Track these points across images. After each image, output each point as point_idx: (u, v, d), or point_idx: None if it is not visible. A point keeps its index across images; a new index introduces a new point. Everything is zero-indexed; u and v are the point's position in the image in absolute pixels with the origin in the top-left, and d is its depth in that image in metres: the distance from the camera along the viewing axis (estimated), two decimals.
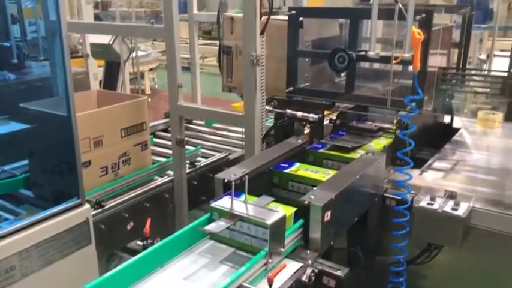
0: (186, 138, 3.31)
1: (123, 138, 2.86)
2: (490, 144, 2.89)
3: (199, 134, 3.91)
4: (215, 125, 4.00)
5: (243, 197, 1.64)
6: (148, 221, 1.65)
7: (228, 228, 1.59)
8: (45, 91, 2.41)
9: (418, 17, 2.07)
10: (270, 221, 1.50)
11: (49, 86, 2.33)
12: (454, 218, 1.89)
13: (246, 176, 1.67)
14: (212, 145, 3.69)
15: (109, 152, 2.79)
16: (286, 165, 2.09)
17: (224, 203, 1.63)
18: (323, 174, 2.00)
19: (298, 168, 2.06)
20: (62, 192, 2.26)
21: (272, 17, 2.57)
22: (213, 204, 1.65)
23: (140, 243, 1.67)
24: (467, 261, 2.08)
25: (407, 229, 2.00)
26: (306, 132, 2.77)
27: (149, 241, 1.63)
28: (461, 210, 1.90)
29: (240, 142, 3.46)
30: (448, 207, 1.93)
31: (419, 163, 2.41)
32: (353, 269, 1.97)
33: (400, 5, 1.94)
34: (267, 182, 2.05)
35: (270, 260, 1.51)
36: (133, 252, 2.70)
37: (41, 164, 2.41)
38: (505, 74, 2.45)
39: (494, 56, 5.00)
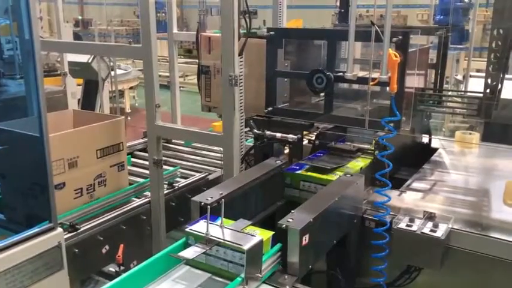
0: (165, 158, 3.27)
1: (99, 159, 2.80)
2: (468, 164, 2.91)
3: (178, 153, 3.85)
4: (195, 144, 3.95)
5: (219, 221, 1.60)
6: (121, 247, 1.60)
7: (204, 253, 1.55)
8: (19, 111, 2.35)
9: (394, 39, 2.09)
10: (246, 246, 1.47)
11: (22, 105, 2.27)
12: (433, 240, 1.88)
13: (223, 200, 1.63)
14: (191, 165, 3.64)
15: (84, 173, 2.72)
16: (298, 167, 2.28)
17: (200, 227, 1.60)
18: (332, 175, 2.19)
19: (308, 169, 2.26)
20: (33, 215, 2.18)
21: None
22: (189, 228, 1.61)
23: (113, 269, 1.61)
24: (447, 283, 2.07)
25: (386, 251, 1.98)
26: (286, 151, 2.76)
27: (122, 268, 1.58)
28: (440, 232, 1.90)
29: (220, 162, 3.43)
30: (427, 228, 1.93)
31: (398, 183, 2.41)
32: None
33: (377, 28, 1.95)
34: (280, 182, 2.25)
35: (246, 287, 1.47)
36: (109, 276, 2.63)
37: (12, 186, 2.33)
38: (481, 94, 2.48)
39: (471, 76, 5.10)
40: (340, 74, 2.31)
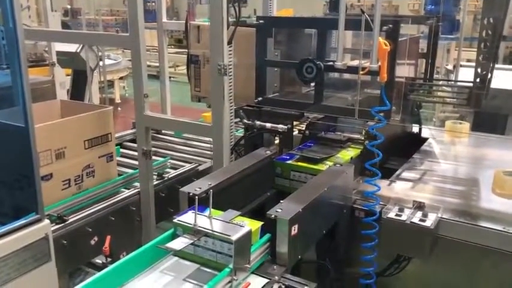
0: (155, 149, 3.23)
1: (86, 150, 2.76)
2: (458, 153, 2.92)
3: (168, 144, 3.82)
4: (185, 135, 3.93)
5: (208, 212, 1.59)
6: (108, 238, 1.58)
7: (192, 244, 1.53)
8: (3, 101, 2.31)
9: (384, 28, 2.08)
10: (235, 237, 1.45)
11: (7, 95, 2.23)
12: (422, 229, 1.88)
13: (211, 190, 1.62)
14: (181, 156, 3.61)
15: (72, 164, 2.68)
16: (288, 157, 2.29)
17: (188, 218, 1.58)
18: (322, 165, 2.20)
19: (298, 159, 2.26)
20: (20, 207, 2.15)
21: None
22: (177, 219, 1.60)
23: (99, 261, 1.59)
24: (436, 272, 2.07)
25: (376, 241, 1.98)
26: (276, 142, 2.75)
27: (109, 259, 1.56)
28: (429, 222, 1.90)
29: (210, 152, 3.41)
30: (416, 218, 1.93)
31: (388, 173, 2.41)
32: (322, 282, 1.94)
33: (367, 16, 1.93)
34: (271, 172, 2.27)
35: (235, 277, 1.46)
36: (99, 267, 2.61)
37: None
38: (471, 84, 2.47)
39: (461, 66, 5.10)
40: (330, 63, 2.29)
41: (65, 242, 2.42)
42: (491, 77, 2.44)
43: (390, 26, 2.12)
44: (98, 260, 2.50)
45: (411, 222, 1.90)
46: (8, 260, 1.97)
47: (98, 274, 1.40)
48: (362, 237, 2.01)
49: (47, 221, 2.13)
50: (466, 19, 6.16)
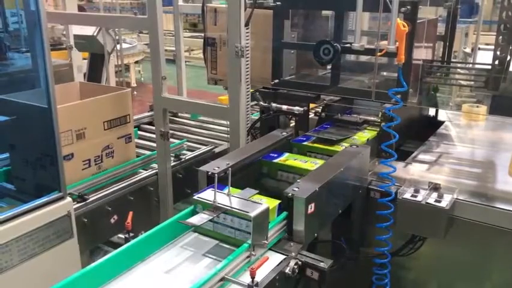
0: (172, 131, 3.28)
1: (106, 131, 2.82)
2: (474, 137, 2.91)
3: (185, 127, 3.87)
4: (201, 118, 3.97)
5: (227, 190, 1.62)
6: (130, 214, 1.63)
7: (211, 220, 1.58)
8: (26, 83, 2.37)
9: (403, 9, 2.07)
10: (253, 214, 1.49)
11: (30, 77, 2.29)
12: (437, 210, 1.90)
13: (230, 169, 1.65)
14: (198, 138, 3.66)
15: (92, 145, 2.74)
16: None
17: (207, 195, 1.62)
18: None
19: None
20: (43, 185, 2.22)
21: None
22: (197, 196, 1.64)
23: (122, 236, 1.64)
24: (451, 253, 2.10)
25: (391, 221, 2.00)
26: (292, 125, 2.76)
27: (131, 234, 1.61)
28: (445, 202, 1.91)
29: (226, 135, 3.44)
30: (432, 199, 1.94)
31: (404, 155, 2.42)
32: (338, 260, 1.98)
33: None
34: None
35: (253, 253, 1.50)
36: (118, 245, 2.68)
37: (21, 157, 2.36)
38: (489, 67, 2.45)
39: (479, 49, 5.02)
40: (348, 45, 2.29)
41: (86, 220, 2.49)
42: (510, 59, 2.41)
43: (408, 7, 2.11)
44: (121, 235, 2.56)
45: (426, 202, 1.92)
46: (33, 235, 2.05)
47: (121, 248, 1.45)
48: (377, 217, 2.03)
49: (69, 199, 2.20)
50: (485, 2, 6.03)
